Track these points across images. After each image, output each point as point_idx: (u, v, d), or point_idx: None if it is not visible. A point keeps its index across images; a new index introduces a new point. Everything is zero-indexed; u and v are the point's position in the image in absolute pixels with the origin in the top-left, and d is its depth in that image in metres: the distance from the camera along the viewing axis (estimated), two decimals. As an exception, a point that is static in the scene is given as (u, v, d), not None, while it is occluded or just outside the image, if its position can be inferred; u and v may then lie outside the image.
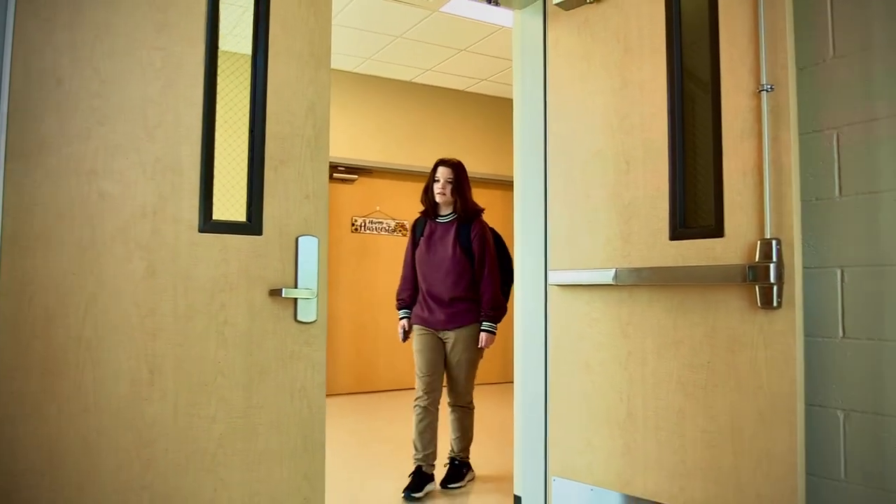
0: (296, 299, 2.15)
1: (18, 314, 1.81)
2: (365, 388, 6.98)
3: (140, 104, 1.98)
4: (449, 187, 3.68)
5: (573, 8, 2.62)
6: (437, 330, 3.71)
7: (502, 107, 7.32)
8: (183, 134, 2.04)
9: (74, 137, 1.90)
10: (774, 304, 2.00)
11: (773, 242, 2.01)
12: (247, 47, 2.22)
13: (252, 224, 2.12)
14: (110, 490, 1.88)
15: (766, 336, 2.03)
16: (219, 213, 2.08)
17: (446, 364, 3.74)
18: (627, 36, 2.45)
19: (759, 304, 2.04)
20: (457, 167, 3.72)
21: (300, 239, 2.17)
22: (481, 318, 3.68)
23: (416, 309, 3.78)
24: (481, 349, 3.75)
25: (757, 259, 2.03)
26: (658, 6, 2.37)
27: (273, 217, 2.14)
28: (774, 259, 1.99)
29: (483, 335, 3.69)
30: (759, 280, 2.02)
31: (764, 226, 2.04)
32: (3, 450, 1.77)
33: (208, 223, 2.05)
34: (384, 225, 7.20)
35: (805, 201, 2.11)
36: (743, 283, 2.06)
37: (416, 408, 3.70)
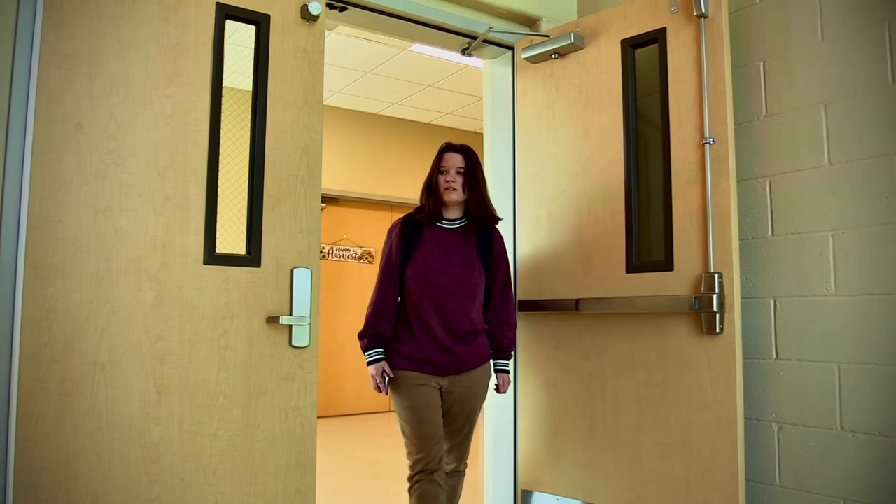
0: (291, 326, 2.34)
1: (39, 340, 1.97)
2: (332, 412, 7.11)
3: (152, 146, 2.18)
4: (460, 180, 2.59)
5: (539, 62, 2.91)
6: (442, 375, 2.56)
7: (466, 139, 7.61)
8: (190, 174, 2.23)
9: (92, 177, 2.08)
10: (717, 330, 2.28)
11: (716, 276, 2.29)
12: (249, 84, 2.44)
13: (251, 257, 2.32)
14: (121, 502, 2.04)
15: (710, 358, 2.31)
16: (221, 247, 2.28)
17: (448, 421, 2.61)
18: (589, 89, 2.74)
19: (704, 330, 2.31)
20: (470, 154, 2.66)
21: (295, 270, 2.37)
22: (498, 356, 2.67)
23: (405, 348, 2.57)
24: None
25: (702, 290, 2.31)
26: (615, 65, 2.66)
27: (270, 250, 2.35)
28: (717, 290, 2.28)
29: (504, 377, 2.67)
30: (703, 309, 2.30)
31: (708, 261, 2.32)
32: (25, 465, 1.92)
33: (212, 256, 2.25)
34: (351, 252, 7.39)
35: (743, 240, 2.41)
36: (690, 312, 2.34)
37: (420, 484, 2.53)
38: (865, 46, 2.16)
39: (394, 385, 2.58)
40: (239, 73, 2.49)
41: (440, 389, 2.57)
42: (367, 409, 7.29)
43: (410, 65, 6.00)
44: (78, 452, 2.00)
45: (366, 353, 2.60)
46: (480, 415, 2.76)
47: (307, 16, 2.47)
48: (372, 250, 7.48)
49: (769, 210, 2.38)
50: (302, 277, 2.38)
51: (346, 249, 7.37)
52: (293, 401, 2.35)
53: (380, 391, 2.58)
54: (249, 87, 2.43)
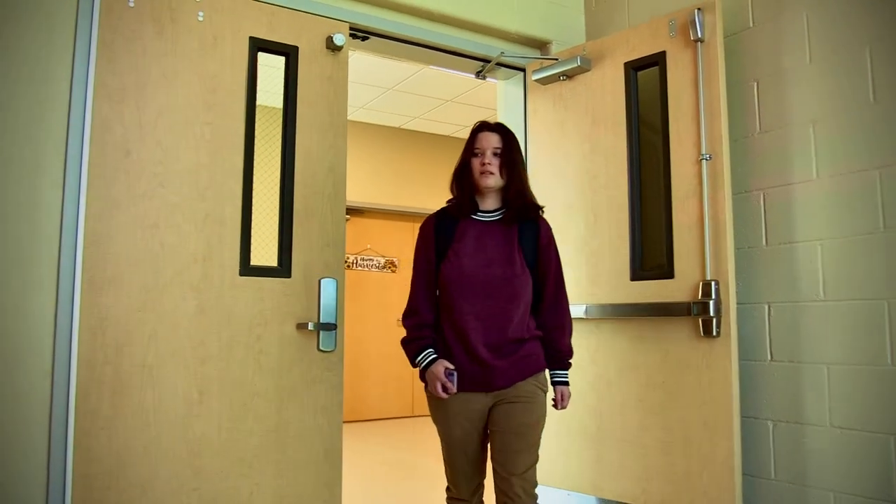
0: (318, 331, 2.55)
1: (94, 344, 2.20)
2: (356, 417, 7.32)
3: (194, 169, 2.40)
4: (497, 162, 2.24)
5: (549, 83, 3.10)
6: (486, 392, 2.18)
7: (485, 151, 7.82)
8: (227, 193, 2.45)
9: (140, 198, 2.31)
10: (715, 333, 2.44)
11: (713, 283, 2.45)
12: (277, 101, 2.64)
13: (282, 268, 2.53)
14: (167, 491, 2.26)
15: (708, 360, 2.47)
16: (255, 260, 2.50)
17: (496, 438, 2.19)
18: (595, 109, 2.92)
19: (702, 333, 2.48)
20: (508, 133, 2.32)
21: (322, 281, 2.58)
22: (554, 366, 2.29)
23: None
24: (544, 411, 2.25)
25: (700, 297, 2.48)
26: (619, 86, 2.84)
27: (300, 262, 2.56)
28: (714, 297, 2.44)
29: (562, 391, 2.30)
30: (702, 314, 2.46)
31: (705, 269, 2.49)
32: (82, 457, 2.15)
33: (247, 268, 2.46)
34: (374, 262, 7.61)
35: (739, 249, 2.57)
36: (689, 317, 2.50)
37: None
38: (849, 68, 2.32)
39: (431, 404, 2.27)
40: (268, 92, 2.70)
41: (486, 407, 2.19)
42: (390, 414, 7.48)
43: (430, 81, 6.21)
44: (128, 446, 2.22)
45: (416, 360, 2.21)
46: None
47: (332, 46, 2.68)
48: (395, 260, 7.70)
49: (763, 221, 2.54)
50: (329, 287, 2.58)
51: (370, 259, 7.59)
52: (321, 400, 2.55)
53: (447, 392, 2.14)
54: (278, 105, 2.64)
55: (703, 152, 2.53)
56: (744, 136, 2.62)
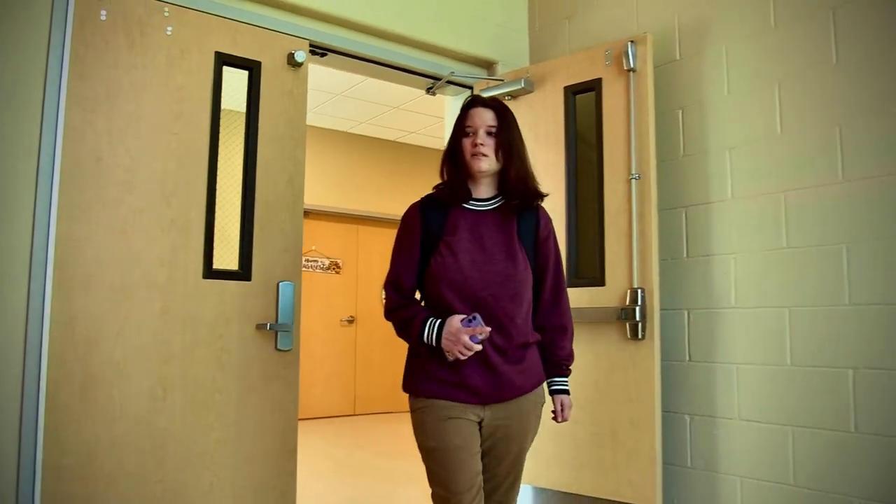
0: (276, 332, 2.71)
1: (65, 342, 2.31)
2: (301, 414, 7.42)
3: (160, 177, 2.53)
4: (492, 143, 1.98)
5: (495, 102, 3.33)
6: (482, 404, 1.93)
7: (430, 156, 8.03)
8: (192, 200, 2.59)
9: (110, 203, 2.43)
10: (640, 336, 2.71)
11: (639, 291, 2.72)
12: (240, 105, 2.75)
13: (243, 272, 2.68)
14: (133, 482, 2.38)
15: (634, 361, 2.73)
16: (218, 263, 2.64)
17: (491, 462, 1.99)
18: (537, 128, 3.17)
19: (629, 336, 2.74)
20: (503, 110, 2.05)
21: (280, 284, 2.73)
22: (554, 373, 2.08)
23: (431, 367, 1.95)
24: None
25: (628, 303, 2.74)
26: (559, 108, 3.09)
27: (260, 266, 2.71)
28: (640, 303, 2.71)
29: (563, 400, 2.07)
30: (629, 318, 2.73)
31: (633, 278, 2.75)
32: (53, 449, 2.26)
33: (210, 271, 2.60)
34: (319, 263, 7.72)
35: (663, 260, 2.85)
36: (618, 321, 2.77)
37: None
38: (761, 102, 2.62)
39: (417, 417, 1.95)
40: (231, 96, 2.79)
41: (479, 424, 1.93)
42: (333, 413, 7.61)
43: (377, 88, 6.38)
44: (96, 439, 2.33)
45: (425, 335, 1.91)
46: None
47: (293, 62, 2.85)
48: (339, 261, 7.83)
49: (685, 235, 2.83)
50: (286, 290, 2.74)
51: (315, 260, 7.70)
52: (278, 397, 2.71)
53: (470, 350, 1.85)
54: (239, 108, 2.76)
55: (633, 172, 2.79)
56: (670, 159, 2.90)
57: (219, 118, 2.69)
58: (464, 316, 1.86)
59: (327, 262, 7.79)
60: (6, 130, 2.28)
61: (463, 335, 1.84)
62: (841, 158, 2.37)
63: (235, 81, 2.79)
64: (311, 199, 7.50)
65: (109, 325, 2.39)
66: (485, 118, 1.99)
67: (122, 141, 2.47)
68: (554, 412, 2.07)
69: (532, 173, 2.05)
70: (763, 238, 2.58)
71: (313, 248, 7.65)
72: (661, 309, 2.80)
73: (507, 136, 1.99)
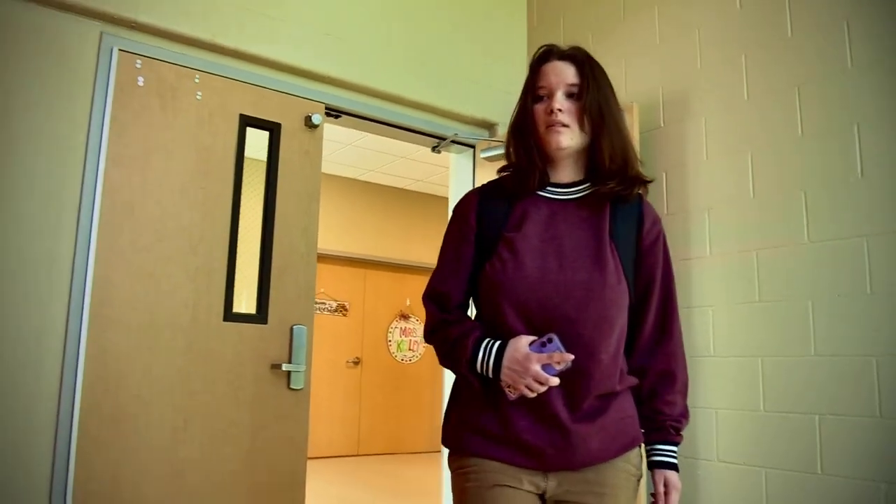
0: (289, 372, 2.92)
1: (97, 376, 2.53)
2: (308, 454, 7.56)
3: (188, 227, 2.78)
4: (575, 108, 1.49)
5: (494, 161, 3.59)
6: (543, 471, 1.43)
7: (436, 204, 8.32)
8: (215, 249, 2.83)
9: (141, 250, 2.68)
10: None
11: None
12: (262, 153, 3.01)
13: (260, 315, 2.91)
14: (153, 508, 2.58)
15: (621, 403, 2.93)
16: (237, 307, 2.87)
17: None
18: (533, 185, 3.42)
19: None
20: (588, 62, 1.53)
21: (294, 327, 2.96)
22: (656, 438, 1.53)
23: (475, 417, 1.46)
24: None
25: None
26: (554, 168, 3.35)
27: (275, 310, 2.94)
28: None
29: (669, 478, 1.49)
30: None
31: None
32: (83, 476, 2.46)
33: (230, 314, 2.83)
34: (326, 305, 7.96)
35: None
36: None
37: None
38: (736, 167, 2.87)
39: (457, 482, 1.48)
40: (252, 146, 3.04)
41: (541, 497, 1.44)
42: (337, 452, 7.75)
43: (386, 139, 6.70)
44: (121, 468, 2.54)
45: (477, 359, 1.41)
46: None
47: (309, 124, 3.12)
48: (346, 303, 8.07)
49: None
50: (300, 333, 2.97)
51: (322, 303, 7.93)
52: (289, 433, 2.91)
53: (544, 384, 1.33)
54: (261, 157, 3.02)
55: (621, 229, 3.03)
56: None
57: (241, 175, 2.95)
58: (535, 337, 1.36)
59: (335, 305, 8.02)
60: (53, 185, 2.54)
61: (534, 363, 1.31)
62: (806, 222, 2.61)
63: (258, 134, 3.06)
64: (321, 243, 7.69)
65: (137, 362, 2.61)
66: (563, 75, 1.49)
67: (154, 194, 2.73)
68: (654, 495, 1.48)
69: (633, 149, 1.53)
70: (738, 292, 2.80)
71: (322, 290, 7.90)
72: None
73: (596, 98, 1.48)
